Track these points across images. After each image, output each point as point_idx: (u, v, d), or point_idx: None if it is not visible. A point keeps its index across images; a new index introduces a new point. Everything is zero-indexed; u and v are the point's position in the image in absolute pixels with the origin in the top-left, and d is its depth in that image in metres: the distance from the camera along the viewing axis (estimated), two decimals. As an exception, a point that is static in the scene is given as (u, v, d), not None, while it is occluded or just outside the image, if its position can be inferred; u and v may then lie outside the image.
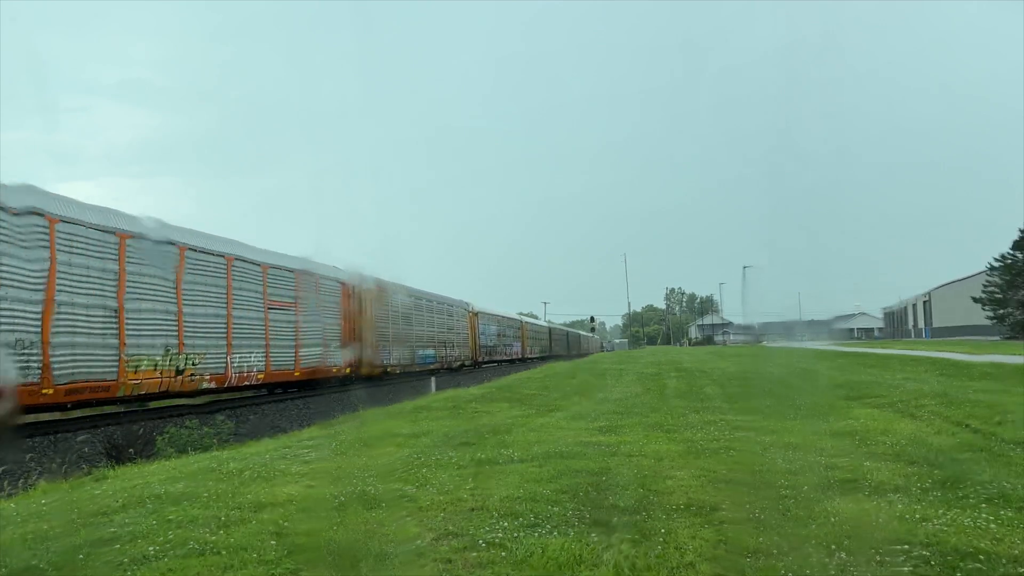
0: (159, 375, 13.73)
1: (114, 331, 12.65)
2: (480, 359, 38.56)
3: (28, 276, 10.94)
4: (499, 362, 43.42)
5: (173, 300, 14.29)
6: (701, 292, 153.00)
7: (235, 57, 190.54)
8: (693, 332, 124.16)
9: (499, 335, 44.39)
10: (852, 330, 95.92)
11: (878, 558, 3.42)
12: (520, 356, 51.27)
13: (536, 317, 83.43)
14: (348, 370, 21.85)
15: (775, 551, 3.56)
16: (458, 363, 34.09)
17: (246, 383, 16.71)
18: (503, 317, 46.87)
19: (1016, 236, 45.56)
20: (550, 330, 68.40)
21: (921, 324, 71.00)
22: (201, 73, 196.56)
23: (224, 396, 17.15)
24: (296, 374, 19.12)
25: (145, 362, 13.33)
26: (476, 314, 38.17)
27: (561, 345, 67.43)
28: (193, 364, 14.73)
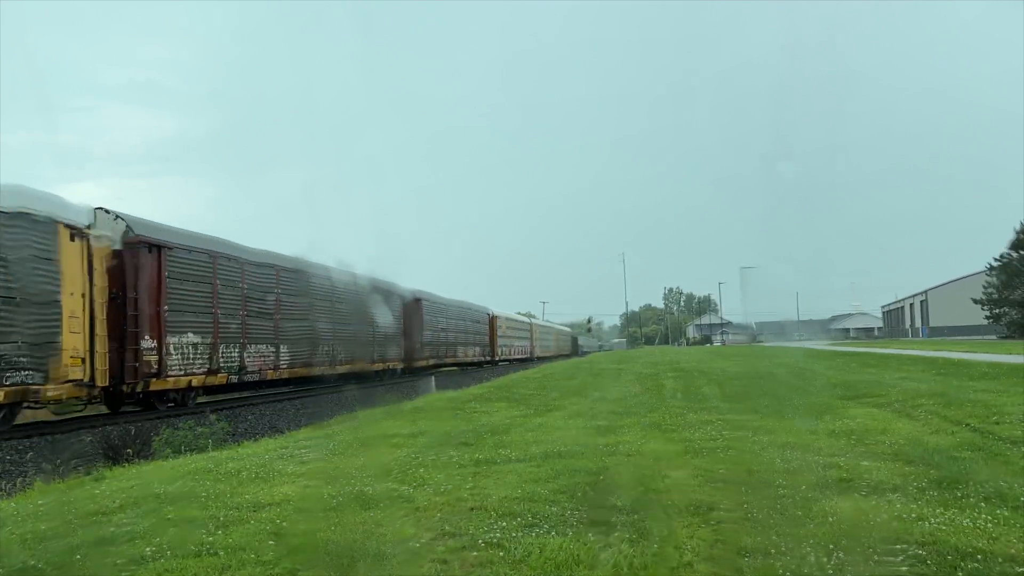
0: None
1: None
2: (427, 362, 29.67)
3: None
4: (461, 365, 35.62)
5: None
6: (699, 292, 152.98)
7: (241, 58, 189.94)
8: (691, 332, 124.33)
9: (460, 331, 35.58)
10: (847, 330, 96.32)
11: (875, 557, 3.42)
12: (491, 358, 41.20)
13: (534, 316, 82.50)
14: (83, 385, 11.90)
15: (773, 550, 3.56)
16: (386, 367, 25.68)
17: None
18: (467, 308, 37.48)
19: (1013, 236, 45.71)
20: (531, 326, 57.51)
21: (918, 324, 71.27)
22: (208, 74, 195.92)
23: None
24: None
25: None
26: (420, 301, 29.15)
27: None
28: None
